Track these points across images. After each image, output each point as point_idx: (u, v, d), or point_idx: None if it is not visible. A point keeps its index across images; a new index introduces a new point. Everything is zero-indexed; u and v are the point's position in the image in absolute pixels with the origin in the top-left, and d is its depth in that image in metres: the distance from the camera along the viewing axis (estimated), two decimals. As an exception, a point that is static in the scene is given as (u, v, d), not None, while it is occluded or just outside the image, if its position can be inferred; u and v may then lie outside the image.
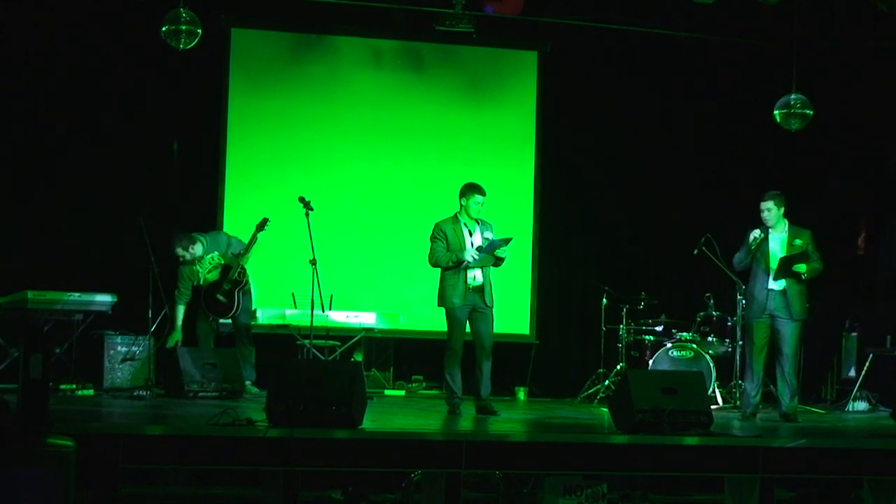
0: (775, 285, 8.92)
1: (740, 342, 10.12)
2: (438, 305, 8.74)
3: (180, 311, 9.95)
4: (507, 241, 8.62)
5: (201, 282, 9.95)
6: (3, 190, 10.57)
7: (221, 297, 9.90)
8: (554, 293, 11.86)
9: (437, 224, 8.73)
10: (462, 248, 8.59)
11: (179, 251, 9.90)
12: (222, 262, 9.99)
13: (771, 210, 8.96)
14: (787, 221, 9.05)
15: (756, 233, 8.94)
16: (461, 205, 8.71)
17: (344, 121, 11.46)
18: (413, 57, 11.65)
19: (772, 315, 8.94)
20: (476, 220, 8.71)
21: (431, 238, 8.69)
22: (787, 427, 8.61)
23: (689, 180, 11.84)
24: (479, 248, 8.58)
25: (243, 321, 10.09)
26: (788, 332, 8.94)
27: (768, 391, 10.63)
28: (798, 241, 8.96)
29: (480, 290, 8.63)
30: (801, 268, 8.88)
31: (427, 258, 8.73)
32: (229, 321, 10.04)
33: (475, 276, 8.60)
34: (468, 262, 8.53)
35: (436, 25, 11.09)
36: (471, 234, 8.66)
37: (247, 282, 10.01)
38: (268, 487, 7.14)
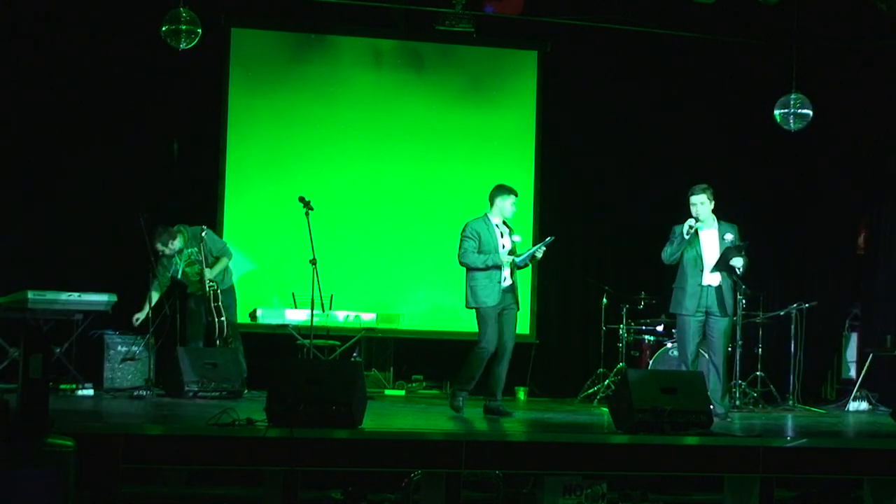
0: (711, 281, 8.80)
1: (740, 342, 10.12)
2: (468, 307, 8.65)
3: (153, 296, 9.84)
4: (548, 243, 8.66)
5: (179, 275, 9.87)
6: (3, 190, 10.56)
7: (210, 318, 9.86)
8: (554, 293, 11.86)
9: (468, 223, 8.63)
10: (495, 248, 8.56)
11: (159, 246, 9.80)
12: (200, 258, 9.89)
13: (704, 204, 8.82)
14: (714, 216, 8.94)
15: (692, 221, 8.76)
16: (495, 205, 8.64)
17: (344, 121, 11.46)
18: (413, 57, 11.65)
19: (707, 311, 8.82)
20: (504, 222, 8.70)
21: (463, 236, 8.58)
22: (787, 427, 8.62)
23: (688, 180, 11.80)
24: (517, 254, 8.60)
25: (229, 319, 10.02)
26: (721, 328, 8.82)
27: (768, 391, 10.68)
28: (729, 236, 8.83)
29: (511, 289, 8.62)
30: (739, 262, 8.74)
31: (457, 257, 8.59)
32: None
33: (506, 276, 8.58)
34: (505, 265, 8.52)
35: (436, 25, 11.11)
36: (502, 236, 8.64)
37: (217, 290, 9.95)
38: (268, 487, 7.14)
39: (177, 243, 9.85)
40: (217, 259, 9.93)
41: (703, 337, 8.97)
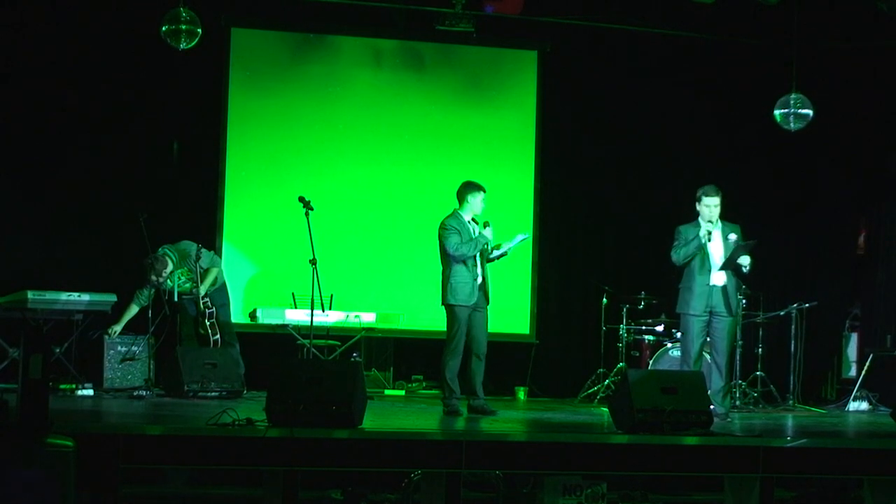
0: (717, 281, 8.80)
1: (740, 342, 10.12)
2: (443, 304, 8.65)
3: (133, 310, 9.79)
4: (522, 241, 8.82)
5: (175, 297, 9.78)
6: (3, 190, 10.56)
7: (203, 332, 9.86)
8: (554, 293, 11.86)
9: (444, 220, 8.64)
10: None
11: (153, 278, 9.62)
12: (191, 275, 9.85)
13: (719, 206, 8.86)
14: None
15: (709, 225, 8.79)
16: (466, 202, 8.66)
17: (344, 121, 11.45)
18: (413, 57, 11.65)
19: (711, 311, 8.82)
20: (472, 219, 8.70)
21: (447, 233, 8.55)
22: (788, 427, 8.62)
23: (688, 180, 11.82)
24: (496, 247, 8.75)
25: (222, 319, 10.03)
26: (725, 327, 8.82)
27: (768, 391, 10.68)
28: (733, 236, 8.84)
29: (483, 287, 8.64)
30: (746, 260, 8.75)
31: (450, 253, 8.52)
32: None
33: (479, 273, 8.60)
34: (489, 239, 8.57)
35: (436, 25, 11.09)
36: (474, 232, 8.66)
37: (212, 308, 9.91)
38: (268, 487, 7.14)
39: (169, 266, 9.76)
40: (207, 270, 9.90)
41: (706, 337, 8.98)
